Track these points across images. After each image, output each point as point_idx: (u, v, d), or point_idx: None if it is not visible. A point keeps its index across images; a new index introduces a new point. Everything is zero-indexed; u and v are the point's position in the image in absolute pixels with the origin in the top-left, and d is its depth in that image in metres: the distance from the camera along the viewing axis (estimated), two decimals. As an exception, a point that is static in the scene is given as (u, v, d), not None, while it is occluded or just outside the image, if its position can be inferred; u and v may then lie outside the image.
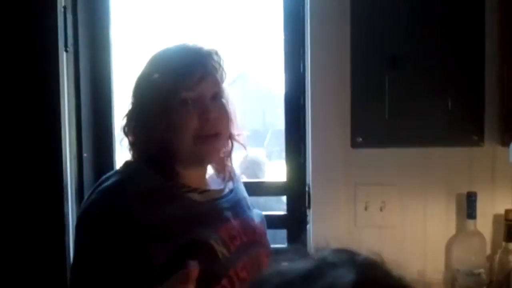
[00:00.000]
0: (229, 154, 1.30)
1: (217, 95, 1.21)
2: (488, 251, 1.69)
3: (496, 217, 1.70)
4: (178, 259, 1.01)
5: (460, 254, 1.66)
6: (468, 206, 1.64)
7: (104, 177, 1.18)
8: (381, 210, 1.69)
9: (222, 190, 1.25)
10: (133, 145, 1.21)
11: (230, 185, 1.29)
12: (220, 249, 1.11)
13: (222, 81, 1.24)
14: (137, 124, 1.19)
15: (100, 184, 1.15)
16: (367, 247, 0.53)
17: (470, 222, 1.65)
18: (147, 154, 1.18)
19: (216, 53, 1.23)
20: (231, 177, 1.31)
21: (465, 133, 1.71)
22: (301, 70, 1.76)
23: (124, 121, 1.22)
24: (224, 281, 1.10)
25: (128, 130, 1.21)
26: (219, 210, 1.20)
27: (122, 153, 1.76)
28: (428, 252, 1.69)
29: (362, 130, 1.71)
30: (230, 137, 1.27)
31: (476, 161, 1.71)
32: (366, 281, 0.47)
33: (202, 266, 0.95)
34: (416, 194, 1.71)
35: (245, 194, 1.35)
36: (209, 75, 1.19)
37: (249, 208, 1.32)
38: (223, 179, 1.29)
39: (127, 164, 1.21)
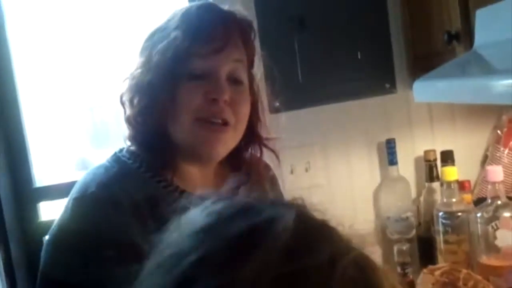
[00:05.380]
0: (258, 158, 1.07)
1: (237, 77, 0.96)
2: (414, 194, 1.74)
3: (417, 160, 1.76)
4: None
5: (387, 201, 1.71)
6: (388, 153, 1.68)
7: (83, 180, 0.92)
8: (306, 171, 1.71)
9: None
10: (128, 121, 0.96)
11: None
12: None
13: (247, 62, 1.00)
14: (136, 93, 0.93)
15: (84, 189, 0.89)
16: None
17: (393, 168, 1.69)
18: (143, 136, 0.94)
19: (249, 24, 0.99)
20: (257, 181, 1.03)
21: (378, 83, 1.73)
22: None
23: (123, 86, 0.96)
24: None
25: (126, 99, 0.95)
26: None
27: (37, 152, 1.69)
28: (357, 204, 1.73)
29: (278, 95, 1.71)
30: (257, 140, 1.05)
31: (391, 108, 1.75)
32: (305, 217, 0.46)
33: None
34: (338, 150, 1.73)
35: None
36: (233, 46, 0.94)
37: None
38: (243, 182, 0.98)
39: (116, 157, 0.96)
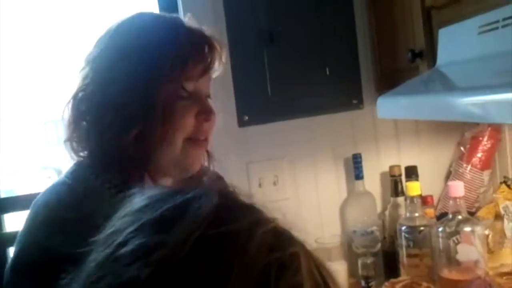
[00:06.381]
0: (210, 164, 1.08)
1: (208, 93, 1.00)
2: (379, 208, 1.77)
3: (382, 175, 1.78)
4: None
5: (353, 216, 1.72)
6: (355, 168, 1.70)
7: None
8: (274, 184, 1.72)
9: None
10: (84, 138, 0.94)
11: None
12: None
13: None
14: (92, 109, 0.92)
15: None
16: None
17: (359, 183, 1.71)
18: (103, 154, 0.91)
19: (218, 41, 1.00)
20: None
21: (345, 98, 1.76)
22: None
23: (71, 103, 0.93)
24: None
25: (93, 117, 0.92)
26: None
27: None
28: (323, 218, 1.75)
29: (247, 108, 1.72)
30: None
31: (358, 123, 1.77)
32: (230, 196, 0.51)
33: None
34: (306, 164, 1.75)
35: None
36: (212, 67, 0.97)
37: None
38: None
39: (77, 174, 0.93)
